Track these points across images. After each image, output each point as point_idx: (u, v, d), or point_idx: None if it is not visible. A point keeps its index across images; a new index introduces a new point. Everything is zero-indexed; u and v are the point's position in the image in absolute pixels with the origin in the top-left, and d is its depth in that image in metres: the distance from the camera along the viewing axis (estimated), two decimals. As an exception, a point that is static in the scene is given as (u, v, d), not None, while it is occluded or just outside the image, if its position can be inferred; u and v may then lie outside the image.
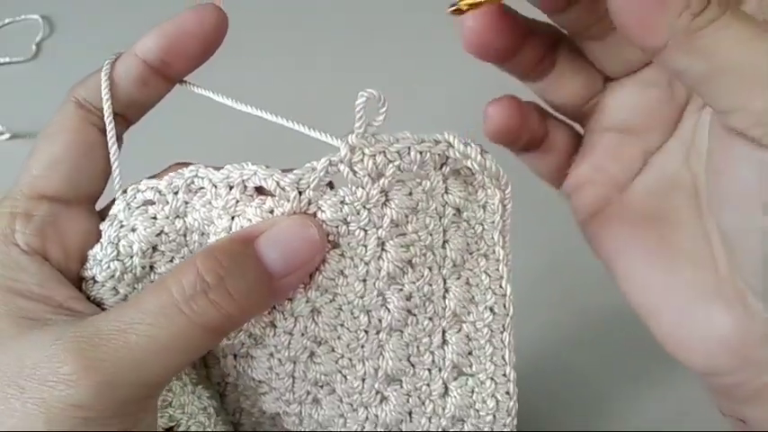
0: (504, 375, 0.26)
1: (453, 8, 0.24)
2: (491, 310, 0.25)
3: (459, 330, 0.25)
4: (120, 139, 0.25)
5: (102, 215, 0.24)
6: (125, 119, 0.26)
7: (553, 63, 0.27)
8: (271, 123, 0.25)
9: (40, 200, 0.23)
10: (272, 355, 0.24)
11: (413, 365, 0.25)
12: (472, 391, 0.26)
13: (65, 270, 0.23)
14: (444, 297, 0.25)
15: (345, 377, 0.25)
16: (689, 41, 0.20)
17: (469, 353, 0.26)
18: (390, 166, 0.22)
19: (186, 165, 0.24)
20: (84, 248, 0.23)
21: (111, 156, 0.24)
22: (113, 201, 0.24)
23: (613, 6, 0.20)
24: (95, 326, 0.20)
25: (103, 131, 0.24)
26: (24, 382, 0.19)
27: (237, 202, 0.22)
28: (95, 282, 0.23)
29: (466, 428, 0.26)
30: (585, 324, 0.41)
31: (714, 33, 0.20)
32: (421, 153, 0.22)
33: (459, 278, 0.25)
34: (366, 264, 0.23)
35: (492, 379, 0.26)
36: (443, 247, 0.24)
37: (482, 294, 0.25)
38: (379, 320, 0.24)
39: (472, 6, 0.23)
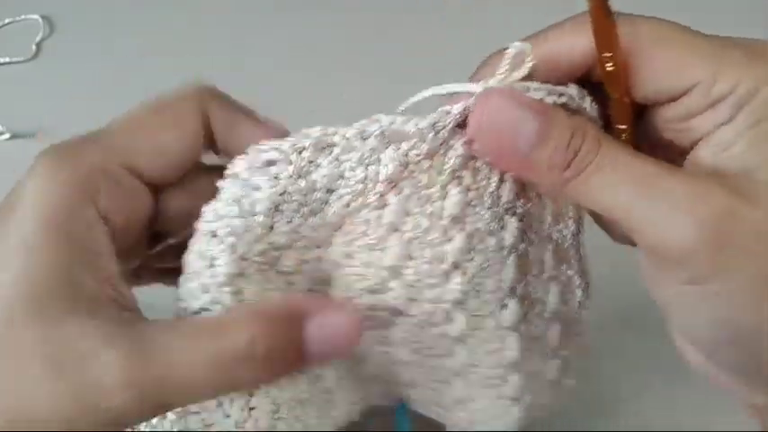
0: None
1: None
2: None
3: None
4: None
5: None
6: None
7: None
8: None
9: (132, 174, 0.23)
10: None
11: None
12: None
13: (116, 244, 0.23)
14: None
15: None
16: (566, 191, 0.22)
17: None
18: None
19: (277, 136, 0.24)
20: (140, 229, 0.24)
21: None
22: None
23: (491, 154, 0.23)
24: (144, 341, 0.20)
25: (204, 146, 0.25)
26: (65, 368, 0.20)
27: (374, 150, 0.23)
28: (214, 236, 0.23)
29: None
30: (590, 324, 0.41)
31: (586, 184, 0.21)
32: (554, 102, 0.23)
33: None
34: (490, 194, 0.24)
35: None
36: None
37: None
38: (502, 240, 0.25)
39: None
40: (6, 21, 0.63)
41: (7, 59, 0.60)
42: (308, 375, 0.26)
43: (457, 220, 0.24)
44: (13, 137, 0.53)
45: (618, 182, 0.21)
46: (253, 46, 0.60)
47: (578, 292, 0.28)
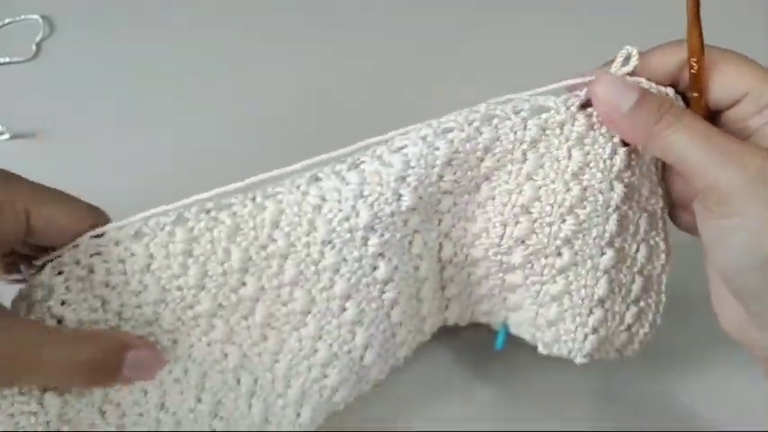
0: None
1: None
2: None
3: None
4: None
5: None
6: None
7: None
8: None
9: (23, 214, 0.28)
10: None
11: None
12: None
13: None
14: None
15: None
16: (653, 141, 0.30)
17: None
18: None
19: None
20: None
21: None
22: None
23: (603, 116, 0.31)
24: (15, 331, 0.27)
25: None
26: None
27: (524, 120, 0.31)
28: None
29: None
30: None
31: (668, 137, 0.29)
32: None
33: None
34: (604, 161, 0.32)
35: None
36: None
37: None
38: (610, 200, 0.32)
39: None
40: (6, 21, 0.63)
41: (7, 59, 0.60)
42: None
43: (576, 176, 0.31)
44: (13, 137, 0.53)
45: (691, 137, 0.29)
46: (252, 46, 0.60)
47: (662, 256, 0.35)
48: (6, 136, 0.53)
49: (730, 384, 0.39)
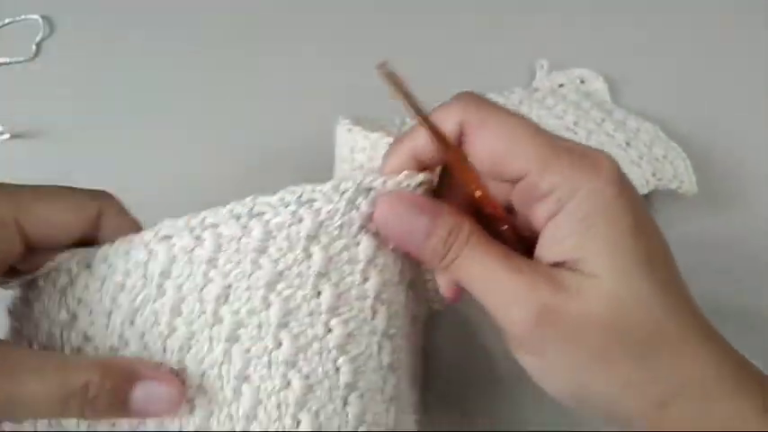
0: None
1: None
2: None
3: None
4: None
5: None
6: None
7: None
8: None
9: (16, 227, 0.26)
10: None
11: None
12: None
13: None
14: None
15: None
16: (446, 273, 0.28)
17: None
18: None
19: None
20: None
21: None
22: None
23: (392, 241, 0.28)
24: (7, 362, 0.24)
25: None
26: None
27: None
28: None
29: None
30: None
31: (455, 272, 0.27)
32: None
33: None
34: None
35: None
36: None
37: None
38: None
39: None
40: (6, 21, 0.63)
41: (7, 59, 0.60)
42: None
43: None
44: (13, 137, 0.53)
45: (475, 274, 0.27)
46: (252, 46, 0.60)
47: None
48: (6, 136, 0.52)
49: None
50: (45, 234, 0.27)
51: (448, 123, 0.28)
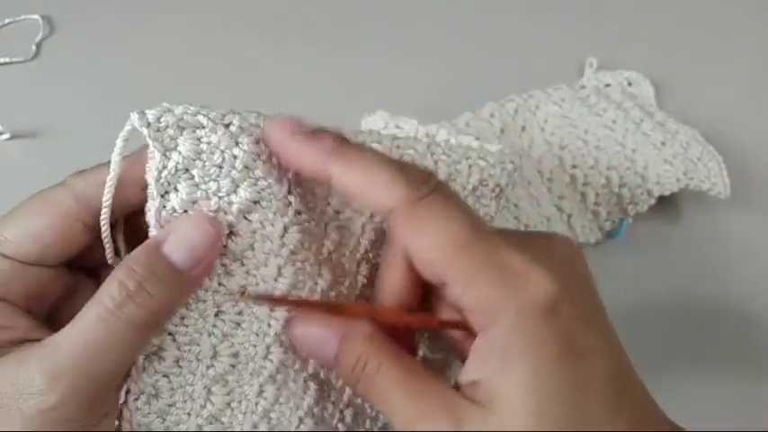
0: None
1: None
2: None
3: None
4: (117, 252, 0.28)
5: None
6: (114, 227, 0.28)
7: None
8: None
9: (3, 258, 0.26)
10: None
11: None
12: None
13: (28, 309, 0.26)
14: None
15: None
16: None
17: None
18: None
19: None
20: (43, 293, 0.27)
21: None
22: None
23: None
24: (52, 343, 0.24)
25: (88, 227, 0.27)
26: (2, 400, 0.23)
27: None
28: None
29: None
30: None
31: (366, 397, 0.26)
32: None
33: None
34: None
35: None
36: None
37: None
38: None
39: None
40: (6, 21, 0.63)
41: (7, 59, 0.60)
42: None
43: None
44: (13, 137, 0.53)
45: (386, 401, 0.25)
46: (252, 47, 0.61)
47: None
48: (6, 136, 0.52)
49: (730, 384, 0.39)
50: (37, 248, 0.27)
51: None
